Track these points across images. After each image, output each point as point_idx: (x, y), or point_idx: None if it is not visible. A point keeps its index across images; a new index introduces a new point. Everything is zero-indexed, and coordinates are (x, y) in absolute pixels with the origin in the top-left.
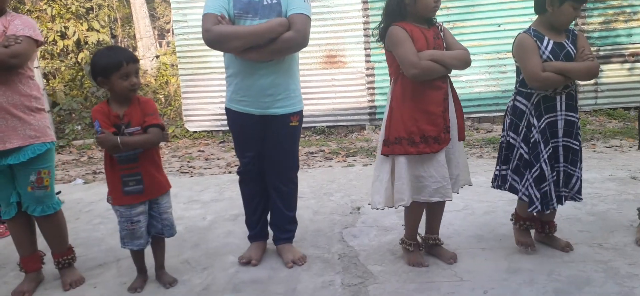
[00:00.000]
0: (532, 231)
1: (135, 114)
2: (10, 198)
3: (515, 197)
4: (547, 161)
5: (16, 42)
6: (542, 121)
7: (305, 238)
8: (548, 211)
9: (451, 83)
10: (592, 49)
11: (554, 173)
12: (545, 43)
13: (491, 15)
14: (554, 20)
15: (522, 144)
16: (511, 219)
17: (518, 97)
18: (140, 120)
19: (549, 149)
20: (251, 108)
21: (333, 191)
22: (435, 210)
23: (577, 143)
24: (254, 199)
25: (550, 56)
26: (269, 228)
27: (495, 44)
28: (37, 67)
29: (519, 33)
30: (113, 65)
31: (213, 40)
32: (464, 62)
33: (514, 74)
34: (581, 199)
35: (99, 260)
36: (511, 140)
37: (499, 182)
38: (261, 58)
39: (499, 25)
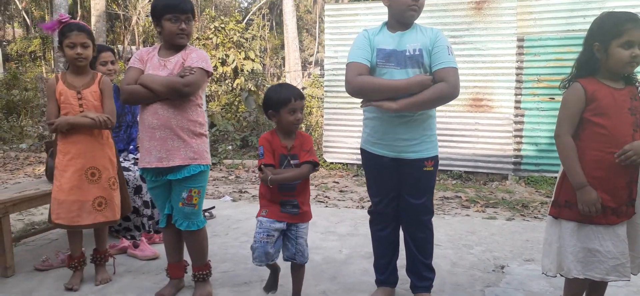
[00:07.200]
0: None
1: (298, 148)
2: (164, 209)
3: None
4: None
5: (190, 73)
6: None
7: (443, 289)
8: None
9: None
10: None
11: None
12: None
13: None
14: None
15: None
16: None
17: None
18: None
19: None
20: (385, 151)
21: (473, 243)
22: (598, 288)
23: None
24: (383, 242)
25: None
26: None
27: None
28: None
29: None
30: (283, 100)
31: (354, 92)
32: None
33: None
34: None
35: (245, 278)
36: None
37: None
38: (409, 110)
39: None
